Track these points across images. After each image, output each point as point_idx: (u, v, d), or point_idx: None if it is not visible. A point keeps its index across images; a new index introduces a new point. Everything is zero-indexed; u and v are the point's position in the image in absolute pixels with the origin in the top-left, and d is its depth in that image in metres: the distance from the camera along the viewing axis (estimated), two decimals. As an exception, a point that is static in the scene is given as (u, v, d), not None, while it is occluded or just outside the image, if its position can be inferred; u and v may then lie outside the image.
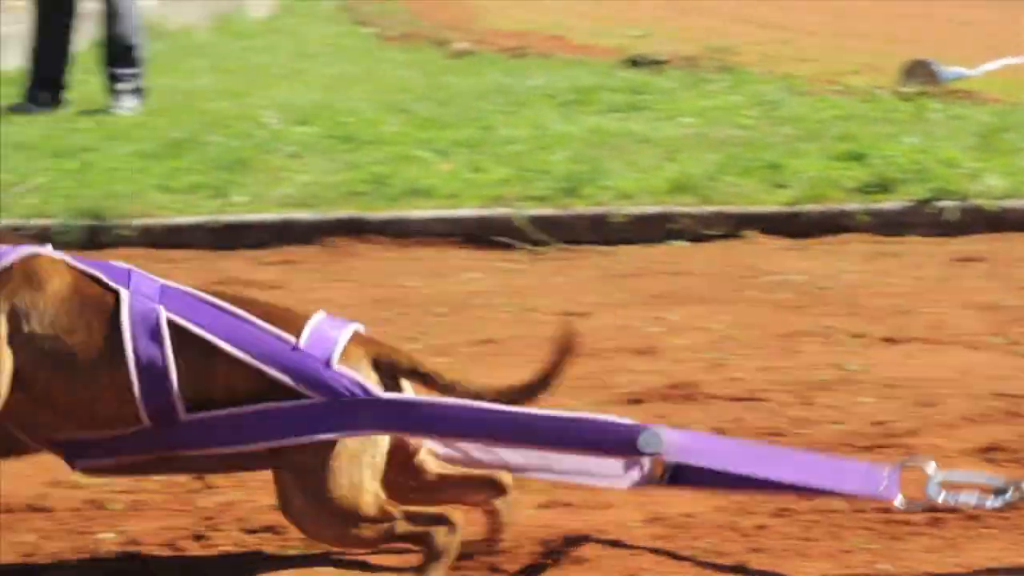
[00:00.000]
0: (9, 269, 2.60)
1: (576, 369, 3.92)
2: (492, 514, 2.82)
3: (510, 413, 2.63)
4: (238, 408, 2.58)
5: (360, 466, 2.59)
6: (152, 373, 2.56)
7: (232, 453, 2.61)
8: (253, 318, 2.62)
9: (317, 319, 2.66)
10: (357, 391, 2.58)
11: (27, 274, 2.61)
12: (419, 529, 2.61)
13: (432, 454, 2.77)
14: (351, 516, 2.58)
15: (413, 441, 2.70)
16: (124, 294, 2.62)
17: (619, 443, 2.66)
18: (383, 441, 2.62)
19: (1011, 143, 6.81)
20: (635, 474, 2.76)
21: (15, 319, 2.58)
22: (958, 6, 16.09)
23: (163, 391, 2.56)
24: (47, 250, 2.68)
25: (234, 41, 10.79)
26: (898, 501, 2.74)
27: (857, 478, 2.77)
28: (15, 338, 2.57)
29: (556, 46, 11.22)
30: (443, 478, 2.78)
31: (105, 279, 2.65)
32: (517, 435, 2.64)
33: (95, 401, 2.59)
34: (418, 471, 2.76)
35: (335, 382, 2.58)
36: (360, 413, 2.57)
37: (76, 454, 2.67)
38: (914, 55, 9.37)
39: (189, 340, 2.59)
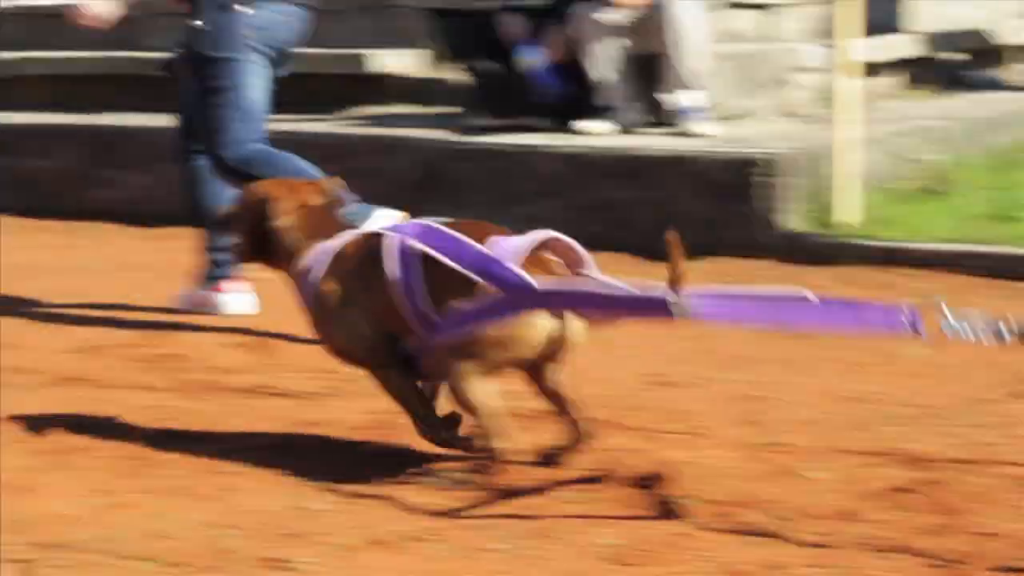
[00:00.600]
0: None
1: None
2: (570, 436, 3.62)
3: (592, 292, 3.47)
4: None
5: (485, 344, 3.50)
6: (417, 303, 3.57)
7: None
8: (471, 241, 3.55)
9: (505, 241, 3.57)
10: (525, 285, 3.45)
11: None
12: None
13: (559, 374, 3.60)
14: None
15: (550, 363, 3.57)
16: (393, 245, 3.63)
17: (659, 309, 3.36)
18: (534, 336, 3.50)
19: None
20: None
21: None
22: None
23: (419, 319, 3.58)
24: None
25: None
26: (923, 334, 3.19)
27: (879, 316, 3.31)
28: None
29: None
30: (557, 396, 3.63)
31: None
32: (598, 306, 3.49)
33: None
34: (548, 383, 3.60)
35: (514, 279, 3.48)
36: (527, 299, 3.44)
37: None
38: None
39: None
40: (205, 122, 5.20)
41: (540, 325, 3.47)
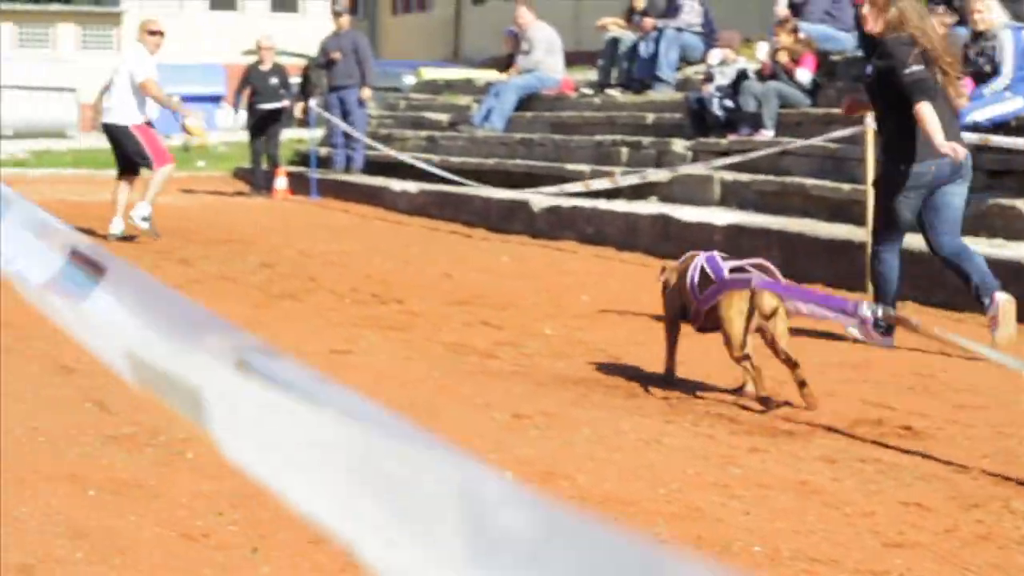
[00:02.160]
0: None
1: None
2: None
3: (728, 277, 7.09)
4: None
5: (736, 316, 6.93)
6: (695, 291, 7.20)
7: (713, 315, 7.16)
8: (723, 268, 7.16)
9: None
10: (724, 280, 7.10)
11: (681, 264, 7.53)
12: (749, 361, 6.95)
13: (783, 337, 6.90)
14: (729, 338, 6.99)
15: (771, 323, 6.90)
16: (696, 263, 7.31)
17: (745, 285, 6.99)
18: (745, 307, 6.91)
19: None
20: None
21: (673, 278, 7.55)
22: None
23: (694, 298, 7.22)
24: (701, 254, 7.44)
25: None
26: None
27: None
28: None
29: None
30: (774, 346, 6.88)
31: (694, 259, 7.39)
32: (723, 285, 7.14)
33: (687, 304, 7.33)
34: (769, 336, 6.88)
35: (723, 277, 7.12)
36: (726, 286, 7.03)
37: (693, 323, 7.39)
38: None
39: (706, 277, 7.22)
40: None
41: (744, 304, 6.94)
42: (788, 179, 13.43)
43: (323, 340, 8.71)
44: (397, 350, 8.48)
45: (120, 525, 4.85)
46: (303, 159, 22.84)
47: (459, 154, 19.07)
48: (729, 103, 15.14)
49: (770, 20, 16.53)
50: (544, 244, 14.19)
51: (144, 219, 14.17)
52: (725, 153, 14.32)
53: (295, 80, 25.75)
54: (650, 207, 14.25)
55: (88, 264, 1.99)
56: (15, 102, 38.16)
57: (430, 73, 26.14)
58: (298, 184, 20.86)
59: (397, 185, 18.74)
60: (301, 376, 1.41)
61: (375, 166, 20.65)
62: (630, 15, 19.12)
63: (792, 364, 6.77)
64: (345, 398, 1.35)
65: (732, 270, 7.04)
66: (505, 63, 20.62)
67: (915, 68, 8.22)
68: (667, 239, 13.21)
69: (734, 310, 6.90)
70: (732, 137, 14.79)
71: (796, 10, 15.85)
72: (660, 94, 17.59)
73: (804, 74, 14.74)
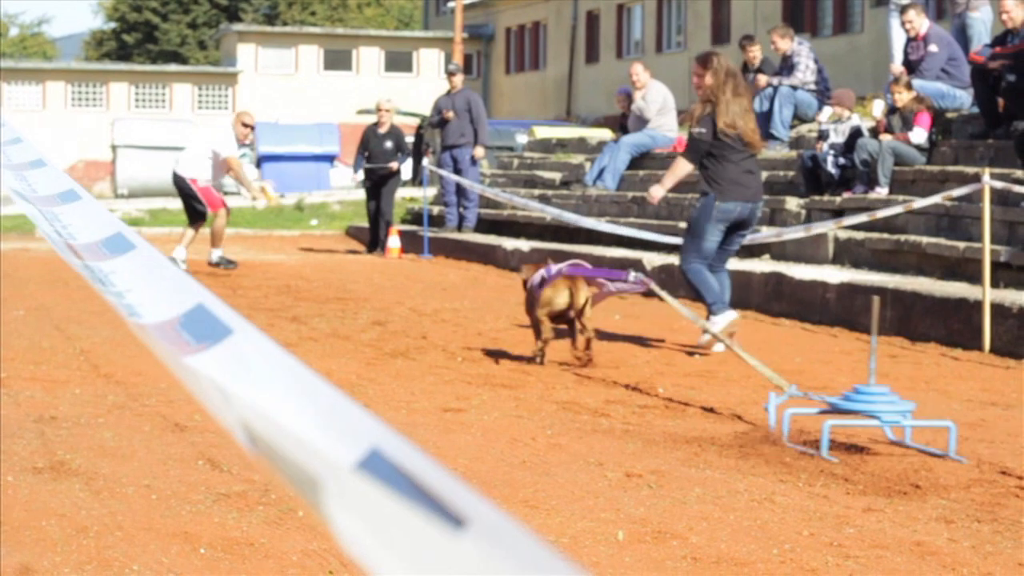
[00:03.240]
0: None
1: None
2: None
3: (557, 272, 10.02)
4: None
5: (543, 304, 9.87)
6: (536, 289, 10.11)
7: None
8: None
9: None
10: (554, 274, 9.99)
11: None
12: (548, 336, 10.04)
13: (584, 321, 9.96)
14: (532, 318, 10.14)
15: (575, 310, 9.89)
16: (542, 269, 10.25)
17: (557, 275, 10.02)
18: (560, 300, 9.84)
19: None
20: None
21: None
22: None
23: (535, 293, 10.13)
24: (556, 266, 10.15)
25: None
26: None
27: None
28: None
29: None
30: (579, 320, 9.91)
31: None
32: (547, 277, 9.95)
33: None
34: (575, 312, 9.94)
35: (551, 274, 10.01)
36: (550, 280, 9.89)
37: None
38: None
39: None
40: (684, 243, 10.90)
41: (561, 296, 9.76)
42: (902, 237, 13.36)
43: (435, 398, 8.79)
44: (509, 408, 8.55)
45: (232, 583, 4.94)
46: (416, 218, 23.07)
47: (571, 212, 19.16)
48: (843, 161, 15.11)
49: (885, 78, 16.49)
50: (656, 301, 14.20)
51: (218, 261, 17.27)
52: (839, 211, 14.27)
53: (410, 139, 25.97)
54: (763, 265, 14.23)
55: (212, 320, 1.92)
56: (131, 162, 38.89)
57: (543, 132, 26.31)
58: (410, 243, 21.07)
59: (509, 243, 18.88)
60: (432, 477, 1.32)
61: (487, 224, 20.81)
62: (745, 73, 19.17)
63: (586, 335, 9.84)
64: (486, 518, 1.26)
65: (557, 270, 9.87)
66: (618, 122, 20.74)
67: (696, 130, 10.45)
68: (779, 297, 13.17)
69: (544, 299, 9.75)
70: (846, 195, 14.74)
71: (912, 67, 15.81)
72: (774, 152, 17.60)
73: (919, 132, 14.67)
